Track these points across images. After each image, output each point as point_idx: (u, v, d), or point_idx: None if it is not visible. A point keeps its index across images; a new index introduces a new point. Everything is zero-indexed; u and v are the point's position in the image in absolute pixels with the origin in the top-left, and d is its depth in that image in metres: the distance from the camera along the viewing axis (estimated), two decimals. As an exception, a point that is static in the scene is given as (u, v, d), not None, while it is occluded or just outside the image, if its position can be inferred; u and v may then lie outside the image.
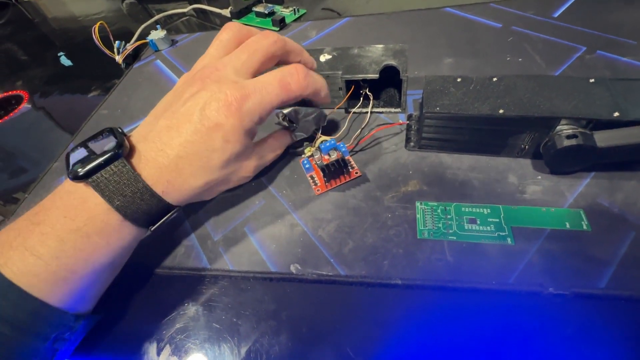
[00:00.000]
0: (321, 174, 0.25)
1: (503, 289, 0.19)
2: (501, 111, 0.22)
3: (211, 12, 0.53)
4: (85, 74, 0.49)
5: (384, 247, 0.22)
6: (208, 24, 0.53)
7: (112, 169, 0.18)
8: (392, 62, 0.27)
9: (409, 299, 0.20)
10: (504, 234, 0.21)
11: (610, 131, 0.20)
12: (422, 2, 0.44)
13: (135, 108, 0.38)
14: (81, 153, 0.18)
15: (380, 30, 0.41)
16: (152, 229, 0.20)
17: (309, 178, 0.26)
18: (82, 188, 0.18)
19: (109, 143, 0.19)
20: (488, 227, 0.21)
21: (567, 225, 0.21)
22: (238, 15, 0.48)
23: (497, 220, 0.22)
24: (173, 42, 0.47)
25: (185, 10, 0.55)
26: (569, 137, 0.21)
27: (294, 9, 0.47)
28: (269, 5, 0.48)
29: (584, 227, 0.20)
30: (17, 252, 0.17)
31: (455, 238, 0.21)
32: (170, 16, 0.56)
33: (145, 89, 0.40)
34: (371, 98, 0.29)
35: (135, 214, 0.19)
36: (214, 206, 0.26)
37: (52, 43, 0.60)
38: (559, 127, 0.21)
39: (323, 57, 0.30)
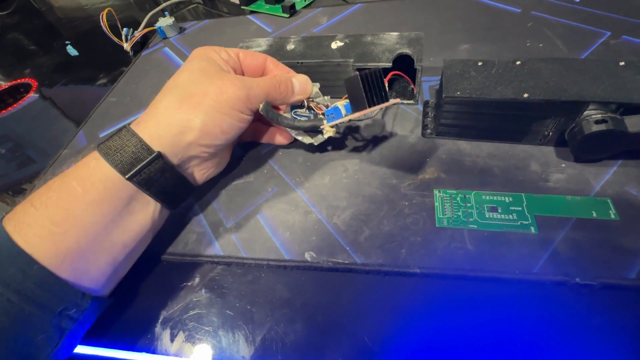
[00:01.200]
0: (354, 103, 0.21)
1: (527, 279, 0.18)
2: (526, 95, 0.21)
3: (219, -1, 0.52)
4: (93, 62, 0.48)
5: (402, 235, 0.21)
6: (215, 11, 0.52)
7: (116, 130, 0.20)
8: (407, 51, 0.26)
9: (428, 288, 0.19)
10: (527, 222, 0.20)
11: (642, 116, 0.19)
12: (436, -12, 0.43)
13: (143, 95, 0.37)
14: None
15: (393, 16, 0.40)
16: (127, 176, 0.18)
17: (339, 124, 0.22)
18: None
19: None
20: (510, 216, 0.21)
21: (594, 214, 0.20)
22: (247, 1, 0.47)
23: (520, 208, 0.21)
24: (181, 30, 0.47)
25: (193, -3, 0.54)
26: (598, 122, 0.20)
27: (304, -5, 0.46)
28: (279, -9, 0.47)
29: (612, 216, 0.20)
30: (23, 205, 0.18)
31: (475, 226, 0.20)
32: (178, 4, 0.55)
33: (153, 77, 0.40)
34: (386, 84, 0.28)
35: (108, 150, 0.18)
36: (226, 193, 0.26)
37: (59, 32, 0.59)
38: (586, 112, 0.20)
39: (335, 44, 0.29)
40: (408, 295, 0.19)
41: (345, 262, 0.20)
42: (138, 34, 0.45)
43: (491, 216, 0.21)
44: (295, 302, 0.20)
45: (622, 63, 0.21)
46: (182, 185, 0.21)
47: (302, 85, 0.24)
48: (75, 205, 0.18)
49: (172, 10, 0.54)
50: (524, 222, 0.20)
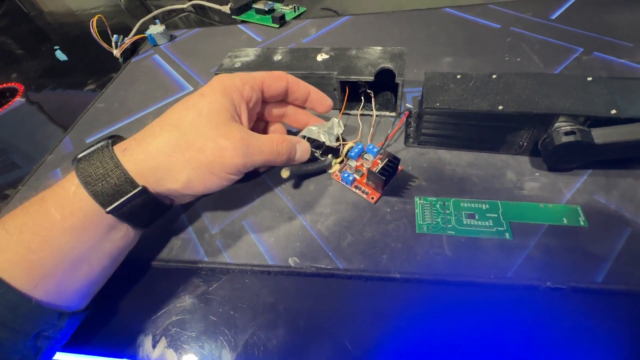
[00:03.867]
0: (371, 180, 0.24)
1: (501, 283, 0.19)
2: (500, 107, 0.22)
3: (210, 8, 0.53)
4: (82, 68, 0.48)
5: (383, 241, 0.22)
6: (207, 20, 0.52)
7: (97, 149, 0.19)
8: (389, 65, 0.27)
9: (408, 293, 0.20)
10: (502, 229, 0.21)
11: (607, 128, 0.21)
12: (422, 2, 0.45)
13: (132, 101, 0.37)
14: None
15: (379, 29, 0.41)
16: (107, 210, 0.18)
17: (354, 189, 0.24)
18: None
19: None
20: (486, 222, 0.21)
21: (565, 221, 0.21)
22: (238, 11, 0.48)
23: (496, 215, 0.22)
24: (172, 38, 0.47)
25: (184, 6, 0.54)
26: (567, 133, 0.21)
27: (294, 7, 0.47)
28: (269, 2, 0.48)
29: (581, 223, 0.21)
30: None
31: (453, 233, 0.21)
32: (169, 12, 0.55)
33: (143, 83, 0.40)
34: (372, 96, 0.29)
35: (90, 179, 0.17)
36: (212, 199, 0.26)
37: (48, 37, 0.59)
38: (557, 124, 0.22)
39: (320, 57, 0.30)
40: (388, 300, 0.20)
41: (328, 267, 0.21)
42: (128, 40, 0.45)
43: (469, 223, 0.22)
44: (278, 307, 0.20)
45: (589, 79, 0.23)
46: (162, 211, 0.21)
47: (302, 153, 0.24)
48: (53, 233, 0.17)
49: (164, 18, 0.55)
50: (499, 228, 0.21)
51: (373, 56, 0.29)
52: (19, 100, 0.44)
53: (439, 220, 0.22)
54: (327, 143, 0.25)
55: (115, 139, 0.20)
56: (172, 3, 0.56)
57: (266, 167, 0.26)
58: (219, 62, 0.32)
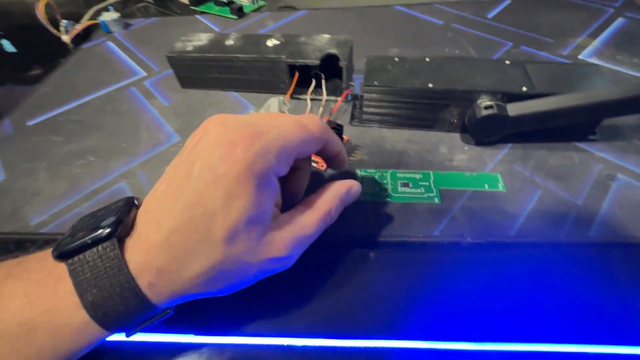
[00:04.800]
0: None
1: (429, 241, 0.21)
2: (430, 85, 0.24)
3: (169, -1, 0.52)
4: (27, 55, 0.46)
5: (325, 209, 0.23)
6: (166, 11, 0.52)
7: (98, 250, 0.14)
8: (334, 51, 0.29)
9: (347, 252, 0.21)
10: (432, 194, 0.23)
11: (519, 103, 0.23)
12: (374, 0, 0.47)
13: (82, 86, 0.36)
14: (87, 223, 0.15)
15: (334, 23, 0.43)
16: (129, 336, 0.16)
17: None
18: (62, 266, 0.14)
19: (109, 217, 0.15)
20: (419, 190, 0.23)
21: (486, 187, 0.23)
22: (197, 2, 0.48)
23: (427, 183, 0.24)
24: (127, 25, 0.46)
25: (142, -4, 0.54)
26: (486, 107, 0.23)
27: (253, 0, 0.48)
28: (228, -6, 0.48)
29: (500, 187, 0.23)
30: None
31: (390, 199, 0.23)
32: (126, 2, 0.54)
33: (94, 69, 0.39)
34: (322, 77, 0.30)
35: (106, 317, 0.14)
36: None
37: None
38: (479, 101, 0.24)
39: (270, 42, 0.31)
40: (329, 258, 0.21)
41: (271, 234, 0.22)
42: (79, 26, 0.44)
43: (403, 190, 0.23)
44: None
45: (507, 62, 0.25)
46: None
47: (354, 197, 0.20)
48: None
49: (121, 8, 0.53)
50: (430, 194, 0.23)
51: (321, 43, 0.30)
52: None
53: (377, 189, 0.24)
54: None
55: (117, 232, 0.15)
56: (129, -7, 0.55)
57: None
58: (172, 46, 0.33)
